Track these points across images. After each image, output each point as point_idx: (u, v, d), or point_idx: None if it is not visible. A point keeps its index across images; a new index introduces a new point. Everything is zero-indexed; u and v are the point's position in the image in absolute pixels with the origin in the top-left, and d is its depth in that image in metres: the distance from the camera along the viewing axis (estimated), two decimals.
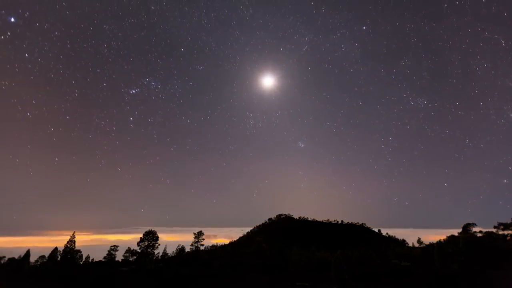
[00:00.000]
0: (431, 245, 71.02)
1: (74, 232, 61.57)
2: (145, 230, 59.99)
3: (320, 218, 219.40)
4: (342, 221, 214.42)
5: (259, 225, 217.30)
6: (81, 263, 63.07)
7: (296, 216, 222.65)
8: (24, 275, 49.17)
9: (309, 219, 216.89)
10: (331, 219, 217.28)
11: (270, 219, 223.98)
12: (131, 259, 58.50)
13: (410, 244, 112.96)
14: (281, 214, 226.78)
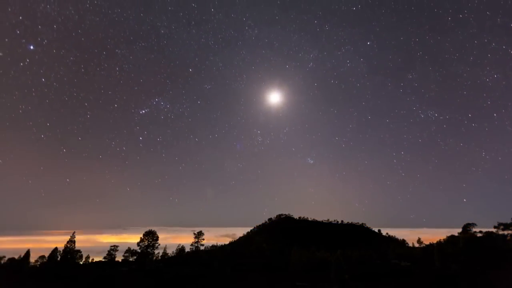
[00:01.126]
0: (431, 245, 71.02)
1: (74, 232, 61.61)
2: (145, 230, 60.09)
3: (320, 218, 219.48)
4: (342, 221, 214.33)
5: (259, 225, 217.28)
6: (81, 263, 63.11)
7: (296, 216, 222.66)
8: (24, 275, 49.19)
9: (309, 219, 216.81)
10: (331, 219, 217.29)
11: (270, 219, 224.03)
12: (131, 259, 58.46)
13: (410, 244, 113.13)
14: (281, 214, 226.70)
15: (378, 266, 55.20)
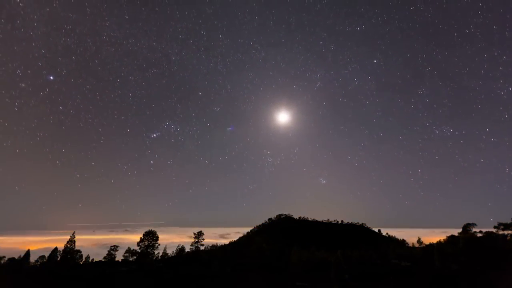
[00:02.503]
0: (431, 245, 70.98)
1: (74, 232, 61.62)
2: (145, 230, 60.08)
3: (320, 218, 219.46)
4: (342, 221, 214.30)
5: (259, 225, 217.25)
6: (81, 263, 63.03)
7: (296, 216, 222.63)
8: (24, 275, 49.16)
9: (309, 219, 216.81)
10: (331, 219, 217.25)
11: (270, 219, 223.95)
12: (131, 259, 58.43)
13: (410, 244, 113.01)
14: (281, 214, 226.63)
15: (378, 266, 55.19)
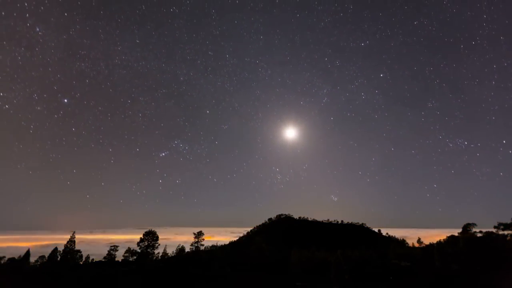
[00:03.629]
0: (431, 245, 70.96)
1: (74, 232, 61.62)
2: (145, 230, 60.03)
3: (320, 218, 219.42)
4: (342, 221, 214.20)
5: (259, 225, 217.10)
6: (81, 263, 63.02)
7: (296, 216, 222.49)
8: (24, 275, 49.15)
9: (309, 219, 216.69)
10: (331, 219, 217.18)
11: (270, 219, 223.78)
12: (131, 259, 58.40)
13: (410, 244, 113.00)
14: (281, 214, 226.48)
15: (378, 266, 55.17)
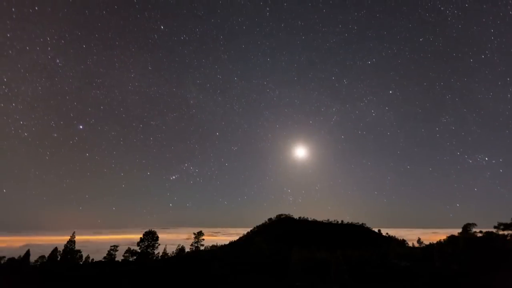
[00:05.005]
0: (431, 245, 70.99)
1: (74, 232, 61.67)
2: (145, 230, 60.06)
3: (320, 218, 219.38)
4: (342, 221, 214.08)
5: (259, 225, 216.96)
6: (81, 263, 63.06)
7: (296, 216, 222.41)
8: (24, 275, 49.13)
9: (309, 219, 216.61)
10: (331, 219, 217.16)
11: (270, 219, 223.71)
12: (131, 259, 58.44)
13: (410, 244, 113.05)
14: (281, 214, 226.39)
15: (378, 266, 55.16)
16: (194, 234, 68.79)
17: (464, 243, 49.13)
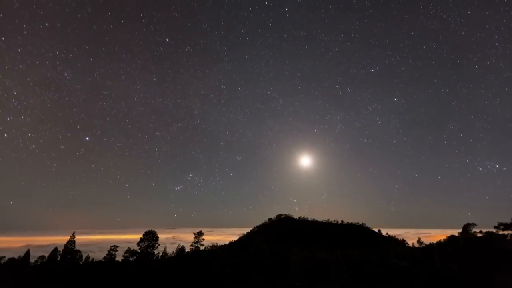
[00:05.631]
0: (431, 245, 70.98)
1: (74, 232, 61.64)
2: (145, 230, 60.03)
3: (320, 218, 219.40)
4: (342, 221, 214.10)
5: (259, 225, 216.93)
6: (81, 263, 63.01)
7: (296, 216, 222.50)
8: (24, 275, 49.14)
9: (309, 219, 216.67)
10: (331, 219, 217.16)
11: (270, 219, 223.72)
12: (131, 259, 58.40)
13: (410, 244, 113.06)
14: (281, 214, 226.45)
15: (378, 266, 55.17)
16: (194, 234, 68.80)
17: (464, 243, 49.12)
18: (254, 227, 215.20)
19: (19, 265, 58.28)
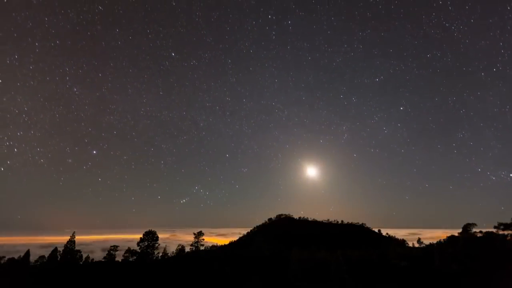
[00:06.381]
0: (431, 245, 70.98)
1: (74, 232, 61.64)
2: (145, 230, 60.05)
3: (320, 218, 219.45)
4: (342, 221, 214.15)
5: (259, 225, 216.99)
6: (81, 263, 63.01)
7: (296, 216, 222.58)
8: (24, 275, 49.14)
9: (309, 219, 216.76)
10: (331, 219, 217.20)
11: (270, 219, 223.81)
12: (131, 259, 58.40)
13: (410, 244, 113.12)
14: (281, 214, 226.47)
15: (378, 266, 55.15)
16: (194, 234, 68.79)
17: (464, 243, 49.14)
18: (254, 227, 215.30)
19: (19, 265, 58.30)
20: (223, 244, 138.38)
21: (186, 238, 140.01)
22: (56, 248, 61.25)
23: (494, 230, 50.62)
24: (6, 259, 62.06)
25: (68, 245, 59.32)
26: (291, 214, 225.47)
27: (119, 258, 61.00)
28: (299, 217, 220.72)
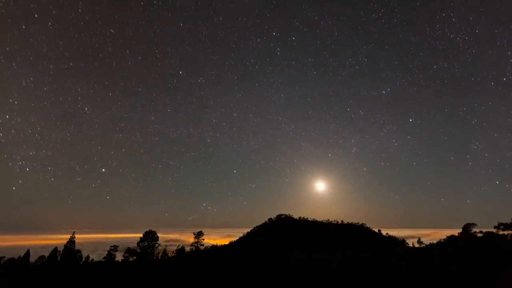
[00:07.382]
0: (431, 245, 70.98)
1: (74, 232, 61.65)
2: (145, 230, 60.10)
3: (320, 218, 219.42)
4: (342, 221, 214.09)
5: (259, 225, 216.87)
6: (81, 263, 63.03)
7: (296, 216, 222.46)
8: (24, 275, 49.14)
9: (309, 219, 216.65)
10: (331, 219, 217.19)
11: (270, 219, 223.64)
12: (131, 259, 58.43)
13: (410, 244, 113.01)
14: (281, 214, 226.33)
15: (378, 266, 55.14)
16: (194, 234, 68.83)
17: (464, 243, 49.16)
18: (254, 227, 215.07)
19: (19, 265, 58.32)
20: (223, 244, 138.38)
21: (186, 238, 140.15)
22: (56, 248, 61.27)
23: (494, 230, 50.68)
24: (6, 259, 62.10)
25: (68, 245, 59.34)
26: (291, 214, 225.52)
27: (119, 258, 61.03)
28: (299, 217, 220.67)
